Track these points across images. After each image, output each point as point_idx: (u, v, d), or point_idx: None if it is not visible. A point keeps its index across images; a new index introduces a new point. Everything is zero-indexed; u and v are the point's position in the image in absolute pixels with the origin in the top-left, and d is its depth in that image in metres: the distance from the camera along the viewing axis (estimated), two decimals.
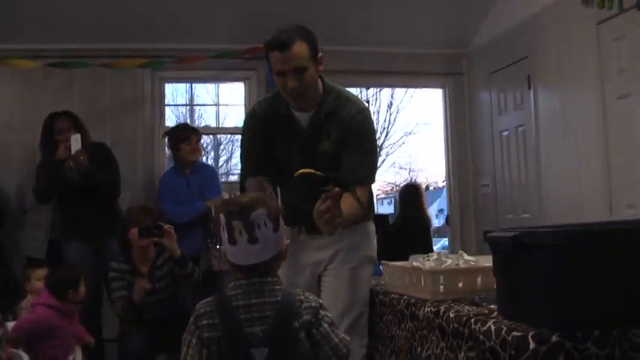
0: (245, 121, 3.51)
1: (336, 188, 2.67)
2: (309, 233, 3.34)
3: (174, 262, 4.72)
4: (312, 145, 3.22)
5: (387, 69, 6.94)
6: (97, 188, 5.22)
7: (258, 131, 3.35)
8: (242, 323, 2.28)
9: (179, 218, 5.35)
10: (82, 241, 5.24)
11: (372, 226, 3.50)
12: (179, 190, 5.62)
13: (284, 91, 3.13)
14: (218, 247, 5.35)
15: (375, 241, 3.51)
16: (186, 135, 5.73)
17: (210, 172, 5.87)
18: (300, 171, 2.71)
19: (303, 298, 2.35)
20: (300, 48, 2.99)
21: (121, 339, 4.77)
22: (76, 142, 5.03)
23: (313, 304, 2.34)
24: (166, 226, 4.62)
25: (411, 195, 7.28)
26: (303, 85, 3.06)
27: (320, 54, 3.12)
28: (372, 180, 3.33)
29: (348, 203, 2.82)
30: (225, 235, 2.32)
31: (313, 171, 2.70)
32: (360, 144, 3.18)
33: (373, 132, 3.37)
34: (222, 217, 2.33)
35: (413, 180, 20.25)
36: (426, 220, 7.21)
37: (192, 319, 2.32)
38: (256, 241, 2.28)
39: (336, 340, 2.35)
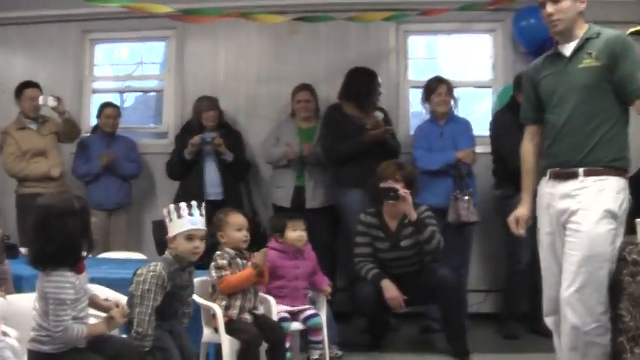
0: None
1: None
2: (558, 179, 3.52)
3: (411, 225, 4.81)
4: (575, 64, 3.52)
5: None
6: (385, 151, 5.54)
7: (529, 81, 3.81)
8: None
9: (428, 165, 5.57)
10: (361, 191, 5.41)
11: (620, 180, 3.48)
12: (432, 138, 5.72)
13: (544, 21, 3.59)
14: (466, 197, 5.39)
15: (622, 196, 3.44)
16: (435, 86, 5.75)
17: (464, 124, 5.85)
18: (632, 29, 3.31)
19: None
20: None
21: (354, 286, 4.96)
22: (378, 115, 5.62)
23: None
24: (402, 191, 4.75)
25: None
26: (558, 12, 3.49)
27: None
28: None
29: None
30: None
31: None
32: (631, 59, 3.41)
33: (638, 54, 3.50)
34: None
35: None
36: None
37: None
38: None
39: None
